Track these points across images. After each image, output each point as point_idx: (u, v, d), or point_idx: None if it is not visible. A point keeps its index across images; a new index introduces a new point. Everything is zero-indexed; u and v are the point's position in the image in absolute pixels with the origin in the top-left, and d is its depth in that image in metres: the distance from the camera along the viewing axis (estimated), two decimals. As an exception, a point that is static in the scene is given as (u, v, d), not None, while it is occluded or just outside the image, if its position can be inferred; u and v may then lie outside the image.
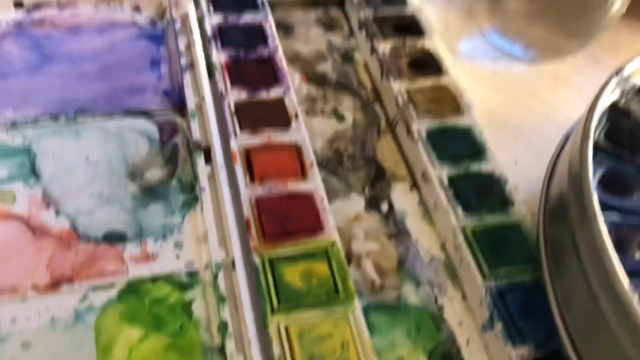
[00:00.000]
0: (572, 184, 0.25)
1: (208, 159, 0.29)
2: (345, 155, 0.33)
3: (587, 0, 0.36)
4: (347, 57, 0.38)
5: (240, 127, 0.30)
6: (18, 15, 0.35)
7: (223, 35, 0.34)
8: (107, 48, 0.34)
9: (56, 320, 0.25)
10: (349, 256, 0.29)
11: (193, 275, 0.27)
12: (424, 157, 0.31)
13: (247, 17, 0.36)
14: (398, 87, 0.34)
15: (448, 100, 0.34)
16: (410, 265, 0.29)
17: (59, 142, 0.30)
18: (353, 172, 0.32)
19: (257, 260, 0.26)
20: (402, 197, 0.32)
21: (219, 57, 0.33)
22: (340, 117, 0.34)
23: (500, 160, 0.33)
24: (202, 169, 0.29)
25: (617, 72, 0.28)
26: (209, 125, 0.30)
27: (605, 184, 0.26)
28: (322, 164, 0.32)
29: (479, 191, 0.30)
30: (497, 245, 0.28)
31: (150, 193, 0.29)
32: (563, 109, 0.38)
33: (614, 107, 0.29)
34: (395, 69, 0.35)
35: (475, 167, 0.31)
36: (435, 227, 0.30)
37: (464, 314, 0.28)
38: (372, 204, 0.31)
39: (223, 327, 0.25)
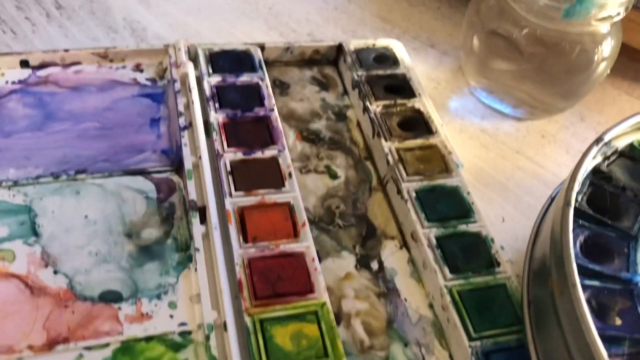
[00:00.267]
0: (553, 250, 0.26)
1: (203, 218, 0.30)
2: (337, 213, 0.34)
3: (573, 62, 0.37)
4: (341, 115, 0.39)
5: (235, 187, 0.31)
6: (24, 74, 0.36)
7: (221, 95, 0.36)
8: (108, 106, 0.36)
9: (51, 380, 0.25)
10: (339, 315, 0.29)
11: (186, 335, 0.27)
12: (413, 216, 0.32)
13: (245, 77, 0.37)
14: (388, 146, 0.35)
15: (437, 160, 0.35)
16: (399, 325, 0.30)
17: (59, 200, 0.31)
18: (344, 230, 0.33)
19: (248, 321, 0.27)
20: (392, 256, 0.32)
21: (217, 117, 0.34)
22: (333, 175, 0.35)
23: (488, 218, 0.34)
24: (197, 228, 0.30)
25: (597, 140, 0.29)
26: (205, 184, 0.31)
27: (587, 249, 0.27)
28: (315, 222, 0.33)
29: (466, 251, 0.31)
30: (484, 306, 0.29)
31: (147, 252, 0.30)
32: (551, 167, 0.39)
33: (596, 172, 0.30)
34: (386, 128, 0.36)
35: (462, 227, 0.32)
36: (423, 286, 0.31)
37: (451, 375, 0.29)
38: (363, 262, 0.32)
39: (214, 388, 0.25)
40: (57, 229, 0.30)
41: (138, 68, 0.38)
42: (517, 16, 0.36)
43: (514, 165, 0.39)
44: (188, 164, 0.32)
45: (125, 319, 0.27)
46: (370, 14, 0.49)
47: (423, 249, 0.31)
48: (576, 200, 0.28)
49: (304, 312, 0.27)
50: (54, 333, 0.26)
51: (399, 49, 0.41)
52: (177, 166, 0.33)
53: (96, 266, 0.29)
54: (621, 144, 0.31)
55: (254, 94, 0.36)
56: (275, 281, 0.28)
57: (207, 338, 0.26)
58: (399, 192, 0.33)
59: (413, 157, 0.35)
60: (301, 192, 0.32)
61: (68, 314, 0.27)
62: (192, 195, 0.31)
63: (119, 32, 0.43)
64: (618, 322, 0.25)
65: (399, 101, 0.38)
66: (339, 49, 0.41)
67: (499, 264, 0.31)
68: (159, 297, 0.28)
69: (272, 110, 0.36)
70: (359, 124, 0.38)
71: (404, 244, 0.33)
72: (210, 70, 0.37)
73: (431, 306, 0.31)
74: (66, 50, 0.37)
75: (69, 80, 0.37)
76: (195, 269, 0.29)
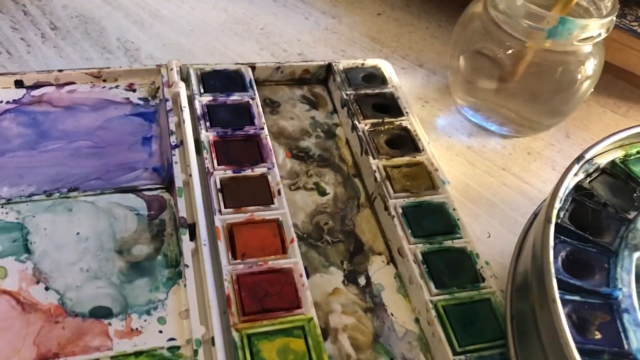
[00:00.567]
0: (534, 266, 0.26)
1: (193, 235, 0.31)
2: (326, 229, 0.34)
3: (557, 80, 0.38)
4: (330, 133, 0.40)
5: (225, 204, 0.32)
6: (18, 93, 0.37)
7: (212, 113, 0.36)
8: (101, 125, 0.36)
9: (41, 395, 0.26)
10: (326, 330, 0.30)
11: (175, 350, 0.28)
12: (400, 232, 0.33)
13: (235, 97, 0.38)
14: (376, 163, 0.36)
15: (423, 177, 0.35)
16: (385, 340, 0.30)
17: (51, 218, 0.31)
18: (333, 246, 0.34)
19: (235, 336, 0.27)
20: (379, 271, 0.33)
21: (208, 135, 0.35)
22: (321, 192, 0.36)
23: (475, 233, 0.35)
24: (187, 245, 0.30)
25: (578, 158, 0.29)
26: (195, 201, 0.32)
27: (568, 264, 0.28)
28: (303, 238, 0.34)
29: (451, 267, 0.31)
30: (468, 321, 0.29)
31: (137, 268, 0.30)
32: (536, 183, 0.40)
33: (578, 188, 0.31)
34: (374, 146, 0.37)
35: (448, 242, 0.32)
36: (410, 301, 0.32)
37: (437, 389, 0.29)
38: (350, 278, 0.32)
39: (202, 403, 0.26)
40: (49, 246, 0.30)
41: (131, 88, 0.39)
42: (502, 37, 0.37)
43: (500, 182, 0.40)
44: (179, 181, 0.33)
45: (115, 334, 0.28)
46: (359, 34, 0.50)
47: (409, 264, 0.31)
48: (558, 216, 0.29)
49: (291, 327, 0.28)
50: (44, 349, 0.27)
51: (387, 68, 0.42)
52: (168, 184, 0.34)
53: (87, 282, 0.29)
54: (603, 161, 0.32)
55: (244, 113, 0.37)
56: (263, 297, 0.29)
57: (195, 353, 0.27)
58: (386, 208, 0.34)
59: (400, 174, 0.35)
60: (290, 208, 0.33)
61: (58, 330, 0.28)
62: (182, 212, 0.32)
63: (113, 52, 0.44)
64: (598, 336, 0.25)
65: (387, 119, 0.38)
66: (329, 68, 0.42)
67: (483, 279, 0.31)
68: (148, 312, 0.29)
69: (262, 128, 0.36)
70: (347, 142, 0.39)
71: (391, 260, 0.33)
72: (202, 90, 0.38)
73: (417, 321, 0.31)
74: (60, 71, 0.38)
75: (63, 99, 0.37)
76: (185, 285, 0.29)
